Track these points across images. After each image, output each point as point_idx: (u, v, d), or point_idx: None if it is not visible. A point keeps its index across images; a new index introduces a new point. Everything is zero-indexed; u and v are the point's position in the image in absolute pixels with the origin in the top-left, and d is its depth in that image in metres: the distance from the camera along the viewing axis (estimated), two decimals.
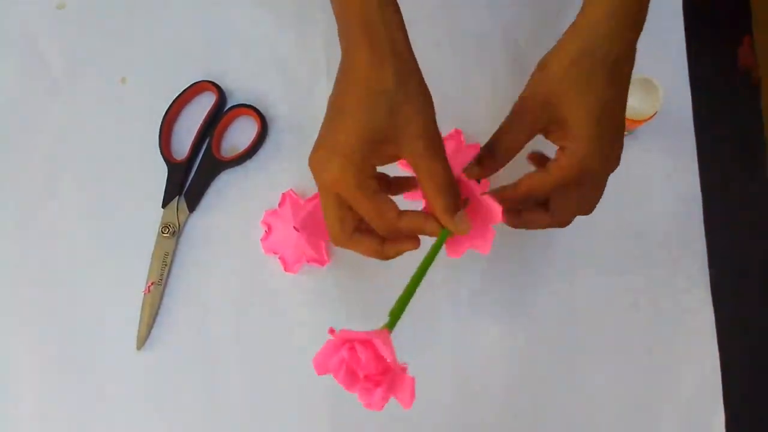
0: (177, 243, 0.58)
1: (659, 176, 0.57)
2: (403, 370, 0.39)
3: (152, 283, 0.57)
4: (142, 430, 0.56)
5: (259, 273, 0.57)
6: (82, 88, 0.60)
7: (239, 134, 0.59)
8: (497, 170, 0.44)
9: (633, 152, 0.58)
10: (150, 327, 0.56)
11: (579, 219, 0.56)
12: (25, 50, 0.61)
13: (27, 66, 0.61)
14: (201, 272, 0.57)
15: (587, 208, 0.46)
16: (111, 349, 0.56)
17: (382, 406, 0.39)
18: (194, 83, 0.59)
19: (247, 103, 0.59)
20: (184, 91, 0.59)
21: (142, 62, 0.61)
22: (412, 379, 0.39)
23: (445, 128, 0.44)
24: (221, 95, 0.59)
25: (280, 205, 0.58)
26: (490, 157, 0.43)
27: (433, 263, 0.57)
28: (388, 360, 0.38)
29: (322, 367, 0.40)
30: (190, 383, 0.56)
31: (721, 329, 0.56)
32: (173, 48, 0.61)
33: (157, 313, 0.57)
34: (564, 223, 0.46)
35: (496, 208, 0.42)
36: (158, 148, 0.58)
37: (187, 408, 0.56)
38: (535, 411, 0.55)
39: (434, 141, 0.41)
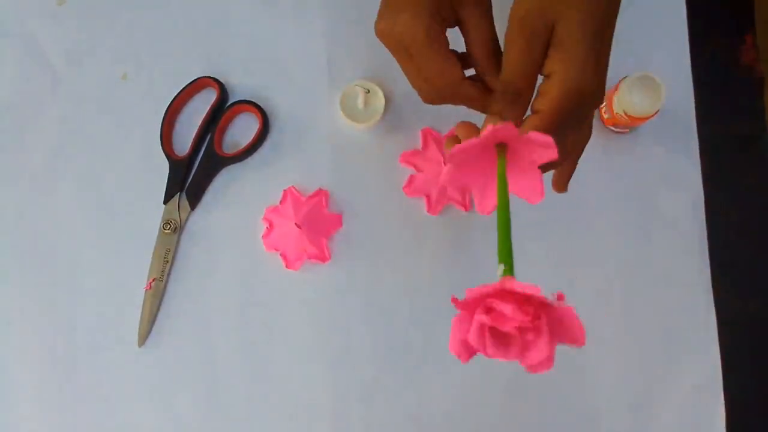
0: (178, 239, 0.58)
1: (661, 174, 0.57)
2: (559, 299, 0.32)
3: (153, 280, 0.57)
4: (144, 427, 0.55)
5: (261, 270, 0.57)
6: (82, 84, 0.60)
7: (241, 130, 0.59)
8: (527, 106, 0.40)
9: (635, 150, 0.58)
10: (151, 324, 0.56)
11: (579, 216, 0.57)
12: (26, 47, 0.61)
13: (27, 62, 0.61)
14: (202, 269, 0.57)
15: (582, 145, 0.43)
16: (112, 346, 0.56)
17: (553, 360, 0.33)
18: (196, 79, 0.59)
19: (249, 99, 0.59)
20: (186, 87, 0.59)
21: (143, 58, 0.60)
22: (571, 309, 0.33)
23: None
24: (223, 91, 0.59)
25: (281, 201, 0.57)
26: (516, 93, 0.39)
27: (438, 261, 0.57)
28: (538, 295, 0.31)
29: (464, 350, 0.34)
30: (192, 380, 0.56)
31: (722, 324, 0.56)
32: (174, 44, 0.60)
33: (158, 310, 0.57)
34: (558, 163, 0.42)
35: (546, 141, 0.33)
36: (160, 145, 0.58)
37: (189, 404, 0.56)
38: (536, 407, 0.55)
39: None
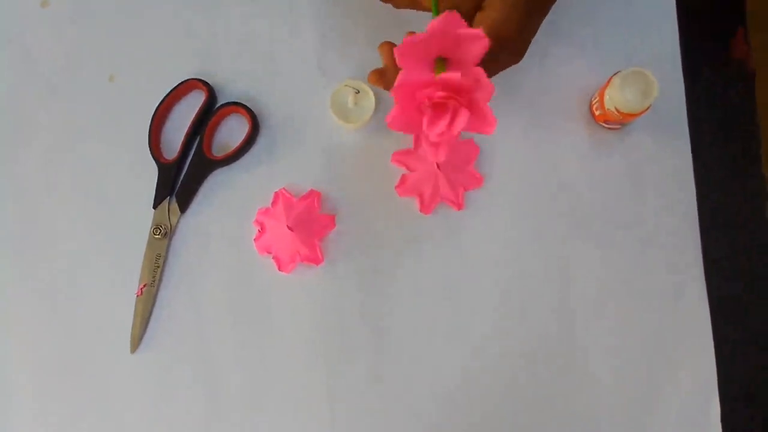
0: (169, 244, 0.57)
1: (653, 170, 0.57)
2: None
3: (144, 285, 0.56)
4: None
5: (253, 273, 0.56)
6: (69, 87, 0.59)
7: (230, 133, 0.59)
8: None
9: (627, 146, 0.58)
10: (143, 329, 0.56)
11: (570, 212, 0.57)
12: (11, 50, 0.60)
13: (12, 66, 0.60)
14: (194, 273, 0.57)
15: (494, 72, 0.47)
16: (105, 353, 0.56)
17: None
18: (183, 81, 0.58)
19: (238, 101, 0.58)
20: (174, 89, 0.58)
21: (131, 60, 0.60)
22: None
23: None
24: (211, 93, 0.58)
25: (272, 203, 0.57)
26: None
27: (432, 260, 0.57)
28: (458, 80, 0.39)
29: (404, 125, 0.42)
30: (186, 385, 0.55)
31: (716, 320, 0.56)
32: (162, 45, 0.60)
33: (150, 316, 0.56)
34: None
35: (477, 33, 0.40)
36: (148, 148, 0.57)
37: (183, 409, 0.55)
38: (533, 404, 0.55)
39: None
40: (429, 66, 0.42)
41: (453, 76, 0.39)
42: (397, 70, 0.43)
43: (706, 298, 0.56)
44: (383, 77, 0.47)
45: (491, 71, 0.46)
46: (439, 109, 0.41)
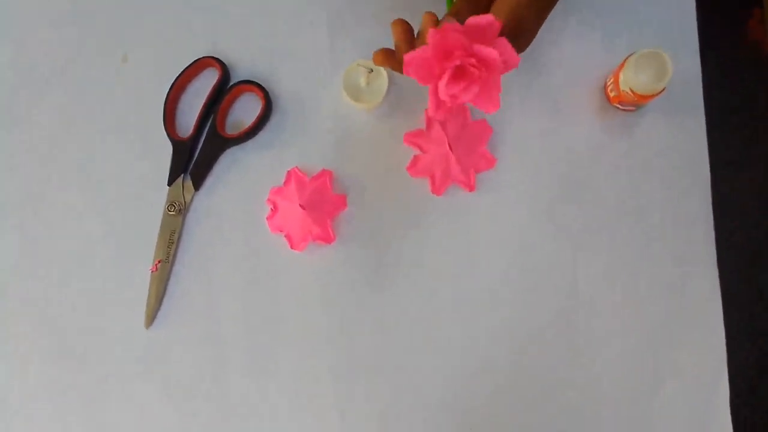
0: (183, 221, 0.58)
1: (668, 151, 0.57)
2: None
3: (159, 261, 0.57)
4: (152, 407, 0.56)
5: (266, 251, 0.57)
6: (83, 67, 0.60)
7: (243, 111, 0.59)
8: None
9: (641, 127, 0.57)
10: (158, 305, 0.57)
11: (584, 194, 0.57)
12: (25, 31, 0.60)
13: (27, 47, 0.60)
14: (208, 250, 0.57)
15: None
16: (120, 328, 0.57)
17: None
18: (197, 60, 0.58)
19: (251, 79, 0.58)
20: (188, 67, 0.58)
21: (144, 39, 0.60)
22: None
23: None
24: (225, 72, 0.58)
25: (285, 183, 0.57)
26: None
27: (442, 241, 0.57)
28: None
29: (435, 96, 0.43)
30: (199, 360, 0.56)
31: (727, 302, 0.56)
32: (175, 24, 0.60)
33: (164, 292, 0.57)
34: None
35: (489, 20, 0.41)
36: (162, 126, 0.58)
37: (196, 384, 0.56)
38: (540, 387, 0.56)
39: None
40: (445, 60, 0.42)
41: (488, 52, 0.40)
42: (408, 48, 0.44)
43: (718, 283, 0.56)
44: (390, 57, 0.47)
45: None
46: (460, 72, 0.42)
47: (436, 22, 0.43)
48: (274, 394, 0.56)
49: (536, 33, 0.46)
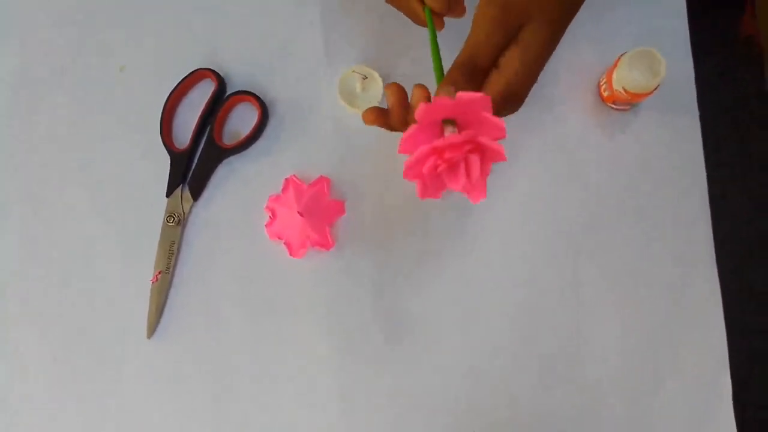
0: (182, 231, 0.58)
1: (662, 150, 0.57)
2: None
3: (159, 272, 0.57)
4: (154, 417, 0.56)
5: (265, 259, 0.57)
6: (80, 78, 0.60)
7: (240, 121, 0.59)
8: (481, 83, 0.44)
9: (636, 126, 0.57)
10: (159, 315, 0.57)
11: (579, 194, 0.57)
12: (24, 40, 0.61)
13: (23, 58, 0.61)
14: (207, 260, 0.58)
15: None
16: (122, 339, 0.57)
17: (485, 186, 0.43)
18: (193, 71, 0.59)
19: (247, 89, 0.59)
20: (184, 79, 0.59)
21: (141, 50, 0.61)
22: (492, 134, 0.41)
23: None
24: (221, 82, 0.59)
25: (283, 190, 0.58)
26: (476, 68, 0.44)
27: (441, 244, 0.57)
28: (461, 140, 0.40)
29: (422, 184, 0.42)
30: (201, 369, 0.57)
31: (726, 298, 0.56)
32: (172, 35, 0.60)
33: (165, 302, 0.57)
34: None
35: (501, 125, 0.41)
36: (160, 137, 0.58)
37: (199, 394, 0.56)
38: (542, 386, 0.55)
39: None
40: (436, 127, 0.42)
41: (451, 139, 0.39)
42: (401, 111, 0.44)
43: (717, 281, 0.56)
44: (380, 117, 0.46)
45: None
46: (449, 168, 0.42)
47: (428, 97, 0.43)
48: (275, 401, 0.56)
49: (526, 98, 0.46)
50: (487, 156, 0.42)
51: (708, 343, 0.55)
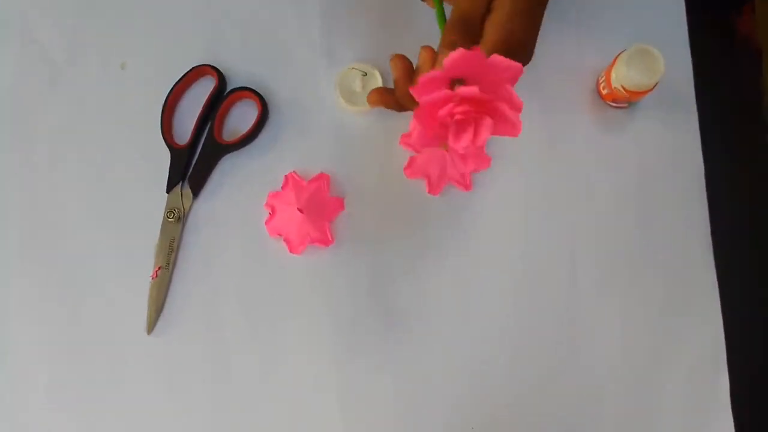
0: (183, 228, 0.58)
1: (661, 147, 0.57)
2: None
3: (159, 268, 0.57)
4: (155, 414, 0.56)
5: (265, 255, 0.57)
6: (81, 74, 0.60)
7: (240, 117, 0.59)
8: (477, 38, 0.43)
9: (634, 124, 0.58)
10: (159, 311, 0.57)
11: (579, 191, 0.57)
12: (24, 38, 0.61)
13: (26, 54, 0.61)
14: (207, 256, 0.58)
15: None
16: (122, 335, 0.57)
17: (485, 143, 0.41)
18: (194, 67, 0.59)
19: (247, 86, 0.59)
20: (184, 75, 0.59)
21: (142, 47, 0.61)
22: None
23: None
24: (221, 79, 0.59)
25: (283, 186, 0.58)
26: (469, 23, 0.43)
27: (441, 241, 0.57)
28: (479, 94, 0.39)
29: (426, 142, 0.41)
30: (201, 365, 0.57)
31: (724, 296, 0.56)
32: (172, 32, 0.61)
33: (165, 298, 0.57)
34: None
35: (509, 63, 0.39)
36: (160, 134, 0.58)
37: (198, 389, 0.56)
38: (541, 379, 0.56)
39: None
40: (446, 86, 0.41)
41: (471, 90, 0.39)
42: (407, 85, 0.43)
43: (715, 274, 0.56)
44: (385, 96, 0.45)
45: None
46: (462, 122, 0.41)
47: (434, 56, 0.42)
48: (275, 396, 0.56)
49: (535, 41, 0.46)
50: (500, 127, 0.41)
51: (705, 341, 0.56)
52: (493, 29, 0.43)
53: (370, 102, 0.46)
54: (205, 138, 0.59)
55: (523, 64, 0.43)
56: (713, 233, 0.57)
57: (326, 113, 0.59)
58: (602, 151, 0.58)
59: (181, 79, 0.59)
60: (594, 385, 0.56)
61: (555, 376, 0.56)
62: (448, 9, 0.45)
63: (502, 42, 0.43)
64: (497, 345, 0.56)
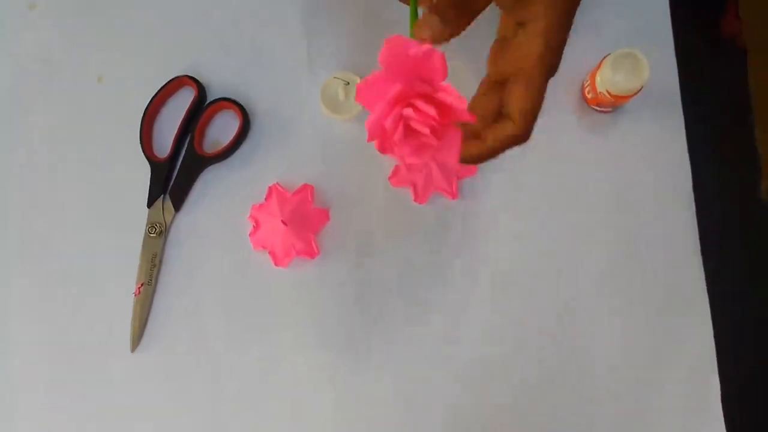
0: (165, 242, 0.57)
1: (647, 151, 0.57)
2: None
3: (142, 284, 0.56)
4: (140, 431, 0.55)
5: (250, 268, 0.57)
6: (58, 89, 0.59)
7: (221, 129, 0.58)
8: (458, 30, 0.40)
9: (621, 128, 0.57)
10: (142, 328, 0.56)
11: (567, 197, 0.56)
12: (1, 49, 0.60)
13: (2, 69, 0.59)
14: (191, 271, 0.57)
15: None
16: (105, 352, 0.56)
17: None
18: (173, 79, 0.58)
19: (228, 96, 0.58)
20: (163, 87, 0.58)
21: (118, 59, 0.60)
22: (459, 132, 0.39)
23: None
24: (201, 90, 0.58)
25: (266, 198, 0.57)
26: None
27: (428, 249, 0.57)
28: (461, 107, 0.37)
29: (377, 132, 0.39)
30: (186, 381, 0.56)
31: (714, 298, 0.56)
32: (149, 43, 0.60)
33: (149, 314, 0.56)
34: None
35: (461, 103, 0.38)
36: (140, 147, 0.57)
37: (184, 407, 0.55)
38: (534, 386, 0.55)
39: None
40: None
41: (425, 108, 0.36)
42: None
43: (704, 278, 0.56)
44: (427, 24, 0.39)
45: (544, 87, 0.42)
46: (412, 131, 0.39)
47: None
48: (262, 412, 0.55)
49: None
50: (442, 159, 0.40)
51: (695, 344, 0.55)
52: (533, 41, 0.39)
53: (418, 35, 0.39)
54: (186, 150, 0.58)
55: (550, 76, 0.41)
56: (701, 235, 0.56)
57: (309, 123, 0.58)
58: (589, 155, 0.57)
59: (159, 90, 0.58)
60: (586, 393, 0.55)
61: (547, 382, 0.55)
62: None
63: (540, 56, 0.39)
64: (487, 353, 0.56)
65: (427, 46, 0.37)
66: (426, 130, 0.38)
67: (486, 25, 0.42)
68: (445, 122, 0.39)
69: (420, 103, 0.38)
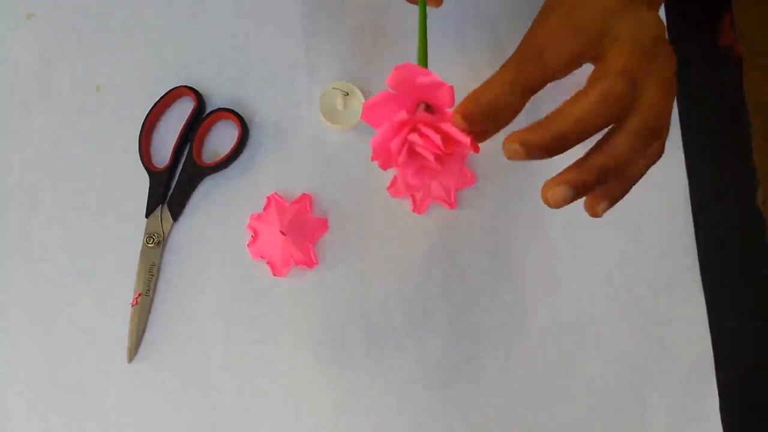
0: (163, 252, 0.57)
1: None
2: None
3: (139, 295, 0.56)
4: None
5: (248, 278, 0.56)
6: (56, 99, 0.59)
7: (220, 139, 0.58)
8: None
9: None
10: (140, 339, 0.56)
11: (570, 207, 0.56)
12: None
13: None
14: (189, 281, 0.57)
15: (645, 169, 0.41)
16: (102, 363, 0.56)
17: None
18: (171, 89, 0.58)
19: (227, 107, 0.58)
20: (162, 97, 0.58)
21: (117, 69, 0.60)
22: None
23: None
24: (200, 100, 0.58)
25: (265, 208, 0.57)
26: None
27: (427, 260, 0.57)
28: (463, 139, 0.38)
29: (382, 154, 0.40)
30: (184, 393, 0.55)
31: (711, 304, 0.56)
32: (148, 53, 0.60)
33: (146, 325, 0.56)
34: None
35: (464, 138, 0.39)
36: (138, 157, 0.57)
37: (182, 418, 0.55)
38: (528, 387, 0.55)
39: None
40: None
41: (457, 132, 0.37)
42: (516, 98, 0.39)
43: (700, 280, 0.56)
44: (480, 113, 0.39)
45: (644, 167, 0.42)
46: (415, 154, 0.40)
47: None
48: (261, 423, 0.55)
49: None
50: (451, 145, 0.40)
51: (693, 350, 0.55)
52: (652, 111, 0.38)
53: (511, 154, 0.39)
54: (185, 161, 0.58)
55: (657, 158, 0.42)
56: (698, 240, 0.56)
57: (307, 133, 0.58)
58: None
59: (158, 101, 0.58)
60: (579, 403, 0.55)
61: (541, 382, 0.55)
62: (432, 12, 0.45)
63: (642, 137, 0.39)
64: (483, 359, 0.55)
65: (434, 76, 0.38)
66: (430, 157, 0.40)
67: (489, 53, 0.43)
68: (448, 152, 0.40)
69: (426, 129, 0.39)
